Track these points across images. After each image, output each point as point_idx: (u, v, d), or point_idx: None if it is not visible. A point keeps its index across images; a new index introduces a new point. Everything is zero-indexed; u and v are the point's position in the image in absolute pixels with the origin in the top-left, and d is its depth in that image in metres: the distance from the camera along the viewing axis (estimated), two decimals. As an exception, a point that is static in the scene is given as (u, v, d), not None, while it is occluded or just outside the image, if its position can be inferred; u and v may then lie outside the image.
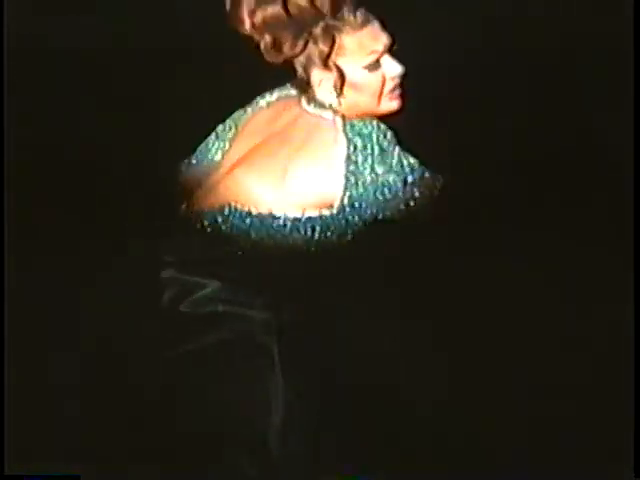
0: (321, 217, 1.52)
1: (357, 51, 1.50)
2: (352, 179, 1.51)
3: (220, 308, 1.51)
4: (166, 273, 1.55)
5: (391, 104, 1.57)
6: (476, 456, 1.49)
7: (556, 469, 1.48)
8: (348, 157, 1.51)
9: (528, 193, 1.75)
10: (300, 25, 1.47)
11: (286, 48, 1.49)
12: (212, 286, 1.52)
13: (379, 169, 1.51)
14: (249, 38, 1.52)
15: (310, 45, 1.49)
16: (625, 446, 1.50)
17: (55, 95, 2.23)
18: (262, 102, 1.70)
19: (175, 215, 1.65)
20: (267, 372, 1.48)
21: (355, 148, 1.51)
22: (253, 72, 1.66)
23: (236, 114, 1.73)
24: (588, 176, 1.89)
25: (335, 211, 1.52)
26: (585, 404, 1.54)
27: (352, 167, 1.51)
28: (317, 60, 1.50)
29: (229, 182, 1.60)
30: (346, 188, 1.51)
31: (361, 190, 1.51)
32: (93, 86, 2.26)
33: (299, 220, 1.52)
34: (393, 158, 1.51)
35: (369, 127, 1.53)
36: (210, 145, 1.74)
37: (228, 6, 1.51)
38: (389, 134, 1.53)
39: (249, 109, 1.71)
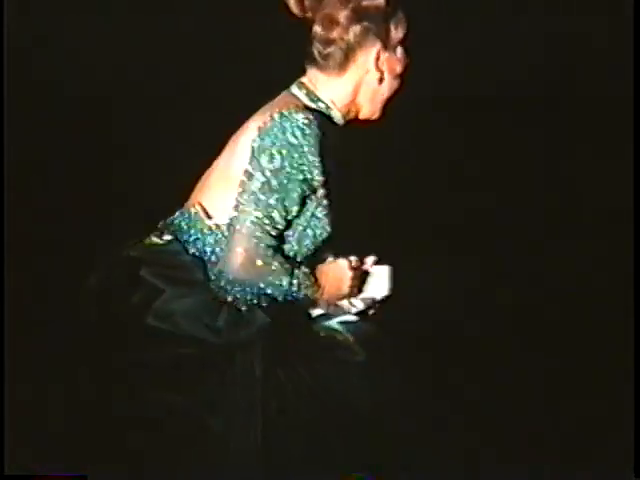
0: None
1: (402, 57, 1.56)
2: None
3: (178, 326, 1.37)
4: (143, 271, 1.43)
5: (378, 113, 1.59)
6: (476, 455, 1.49)
7: (556, 469, 1.48)
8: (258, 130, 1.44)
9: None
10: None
11: None
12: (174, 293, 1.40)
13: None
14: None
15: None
16: (625, 446, 1.50)
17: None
18: None
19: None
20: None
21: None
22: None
23: None
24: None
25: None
26: (586, 404, 1.54)
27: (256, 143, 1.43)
28: (392, 38, 1.51)
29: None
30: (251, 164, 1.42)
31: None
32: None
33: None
34: (299, 154, 1.42)
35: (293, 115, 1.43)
36: None
37: None
38: (307, 130, 1.43)
39: None
